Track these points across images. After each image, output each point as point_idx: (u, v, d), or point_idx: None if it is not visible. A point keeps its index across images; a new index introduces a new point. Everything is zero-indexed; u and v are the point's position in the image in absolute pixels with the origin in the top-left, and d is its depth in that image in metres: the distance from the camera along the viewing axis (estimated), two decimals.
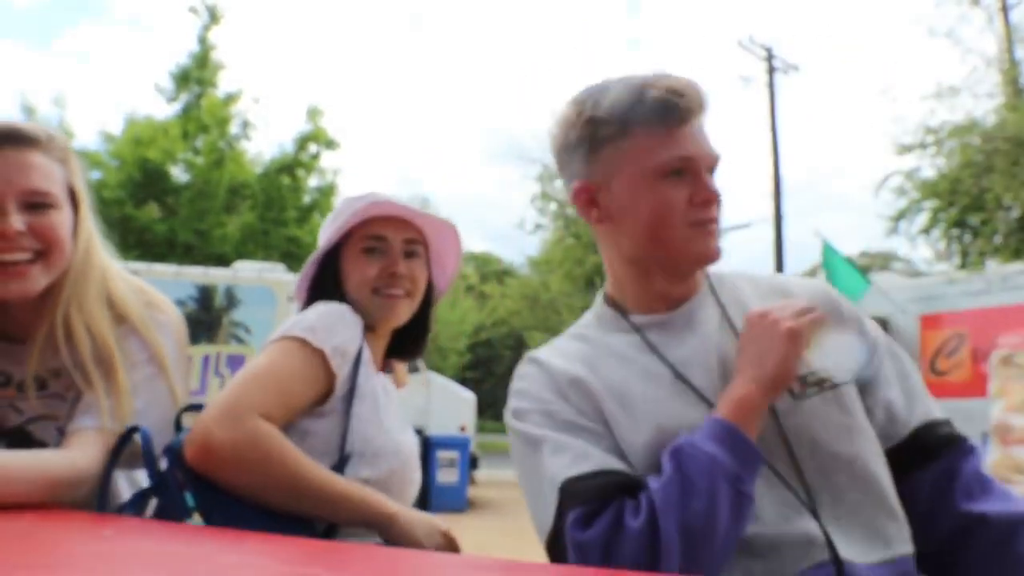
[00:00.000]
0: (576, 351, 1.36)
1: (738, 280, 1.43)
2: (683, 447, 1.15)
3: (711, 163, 1.29)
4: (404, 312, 1.67)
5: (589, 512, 1.14)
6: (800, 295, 1.38)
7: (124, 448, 1.38)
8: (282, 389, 1.43)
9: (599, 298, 1.47)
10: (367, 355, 1.59)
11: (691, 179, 1.27)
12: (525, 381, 1.34)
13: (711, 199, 1.27)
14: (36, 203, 1.41)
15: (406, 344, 1.78)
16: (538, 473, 1.23)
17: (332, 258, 1.68)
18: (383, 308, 1.64)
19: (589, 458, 1.19)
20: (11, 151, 1.40)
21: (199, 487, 1.36)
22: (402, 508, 1.43)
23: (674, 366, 1.29)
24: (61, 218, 1.44)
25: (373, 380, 1.59)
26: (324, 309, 1.56)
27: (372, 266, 1.64)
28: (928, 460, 1.29)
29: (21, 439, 1.46)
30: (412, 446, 1.61)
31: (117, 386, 1.42)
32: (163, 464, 1.42)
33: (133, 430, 1.39)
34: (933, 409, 1.35)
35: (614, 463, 1.20)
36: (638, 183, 1.28)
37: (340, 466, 1.45)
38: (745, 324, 1.27)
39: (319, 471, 1.38)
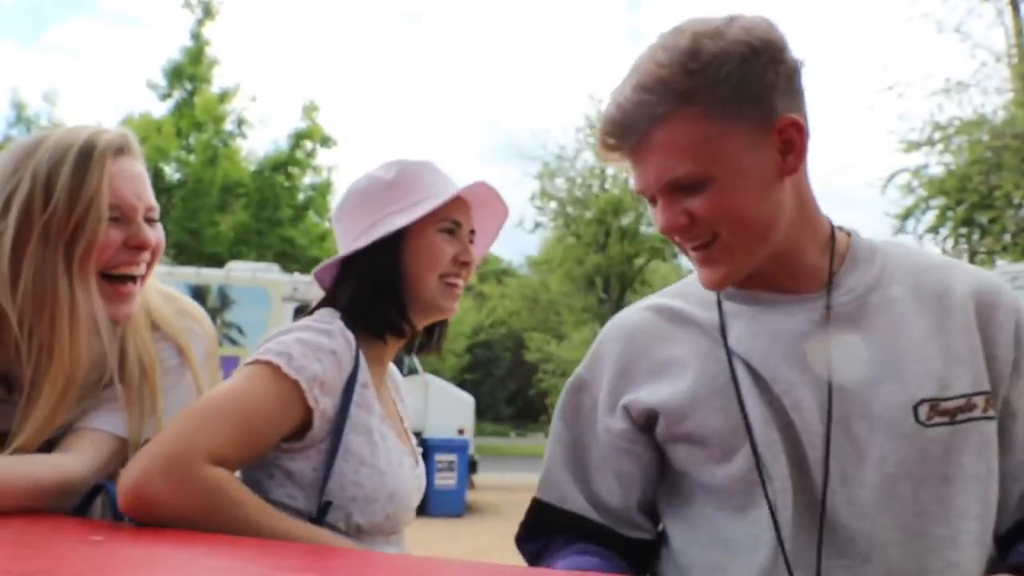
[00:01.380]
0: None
1: (902, 264, 1.19)
2: None
3: (661, 191, 1.12)
4: (458, 306, 1.56)
5: (529, 531, 1.34)
6: (960, 310, 1.13)
7: (94, 499, 1.29)
8: (243, 426, 1.26)
9: None
10: (364, 378, 1.42)
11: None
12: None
13: (665, 234, 1.15)
14: (151, 219, 1.42)
15: (429, 336, 1.64)
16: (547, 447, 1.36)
17: (389, 240, 1.47)
18: (447, 298, 1.50)
19: (566, 499, 1.28)
20: (135, 161, 1.41)
21: None
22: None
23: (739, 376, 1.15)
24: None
25: (370, 411, 1.43)
26: (307, 330, 1.38)
27: (448, 250, 1.49)
28: None
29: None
30: (410, 481, 1.46)
31: (151, 391, 1.40)
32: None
33: (96, 489, 1.29)
34: None
35: (584, 511, 1.26)
36: None
37: (322, 513, 1.33)
38: None
39: (277, 520, 1.23)
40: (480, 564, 0.92)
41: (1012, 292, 1.15)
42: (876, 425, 1.07)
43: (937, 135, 13.10)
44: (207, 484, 1.16)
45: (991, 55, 13.36)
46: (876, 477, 1.06)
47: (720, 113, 1.06)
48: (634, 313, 1.31)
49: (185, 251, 16.78)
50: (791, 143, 1.10)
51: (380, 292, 1.47)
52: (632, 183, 1.15)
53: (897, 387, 1.08)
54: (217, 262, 14.14)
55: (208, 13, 18.01)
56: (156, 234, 1.42)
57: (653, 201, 1.13)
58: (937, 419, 1.06)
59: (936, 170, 13.73)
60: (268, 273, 10.73)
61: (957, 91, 13.03)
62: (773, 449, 1.10)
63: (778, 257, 1.14)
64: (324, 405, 1.34)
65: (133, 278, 1.39)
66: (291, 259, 16.22)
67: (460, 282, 1.51)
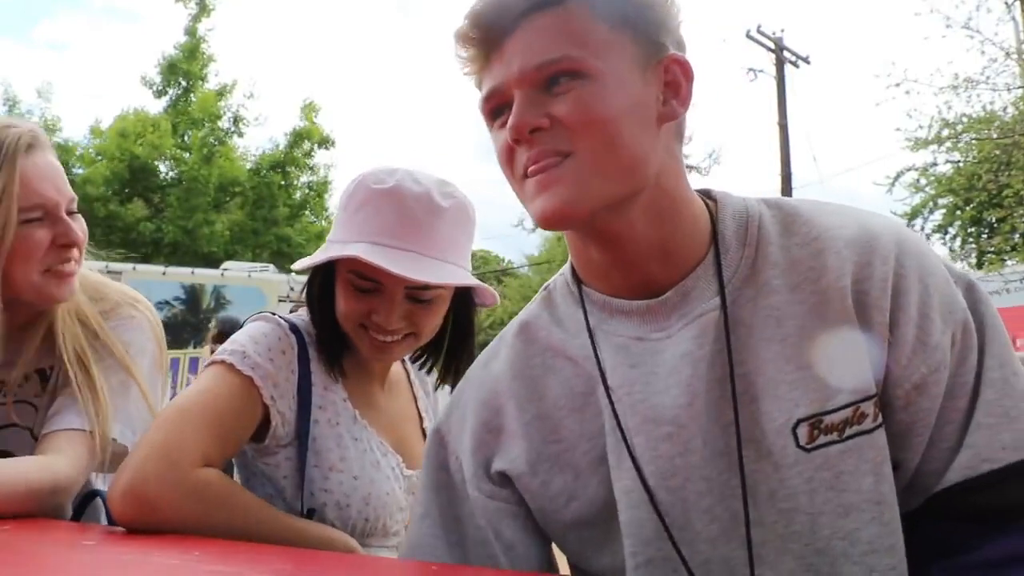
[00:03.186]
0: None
1: (774, 241, 0.97)
2: None
3: (529, 78, 0.91)
4: (401, 354, 1.45)
5: None
6: (838, 295, 0.91)
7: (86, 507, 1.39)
8: (217, 426, 1.28)
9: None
10: (323, 381, 1.43)
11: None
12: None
13: (512, 136, 0.92)
14: (72, 211, 1.41)
15: (450, 363, 1.56)
16: None
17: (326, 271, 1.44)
18: (368, 353, 1.42)
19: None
20: (50, 154, 1.40)
21: None
22: (359, 547, 1.35)
23: (610, 388, 0.98)
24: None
25: (338, 414, 1.42)
26: (256, 329, 1.40)
27: (360, 303, 1.38)
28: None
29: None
30: (395, 483, 1.44)
31: (96, 386, 1.38)
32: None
33: (91, 495, 1.41)
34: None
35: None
36: None
37: (308, 518, 1.35)
38: None
39: (272, 514, 1.28)
40: (480, 569, 0.94)
41: (896, 242, 0.92)
42: (760, 454, 0.91)
43: (945, 132, 13.02)
44: (203, 484, 1.19)
45: (1000, 51, 13.24)
46: (771, 515, 0.90)
47: (611, 16, 0.92)
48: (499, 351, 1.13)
49: (180, 250, 16.65)
50: (676, 86, 0.95)
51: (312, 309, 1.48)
52: (484, 88, 0.96)
53: (773, 406, 0.90)
54: (212, 261, 14.07)
55: (203, 8, 17.85)
56: (80, 227, 1.41)
57: (498, 110, 0.96)
58: (822, 439, 0.88)
59: (944, 168, 13.65)
60: (263, 273, 10.70)
61: (966, 88, 12.92)
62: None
63: (647, 222, 0.95)
64: (280, 406, 1.35)
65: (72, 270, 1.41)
66: (287, 258, 16.12)
67: (386, 338, 1.39)
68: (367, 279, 1.35)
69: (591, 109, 0.89)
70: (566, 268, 1.09)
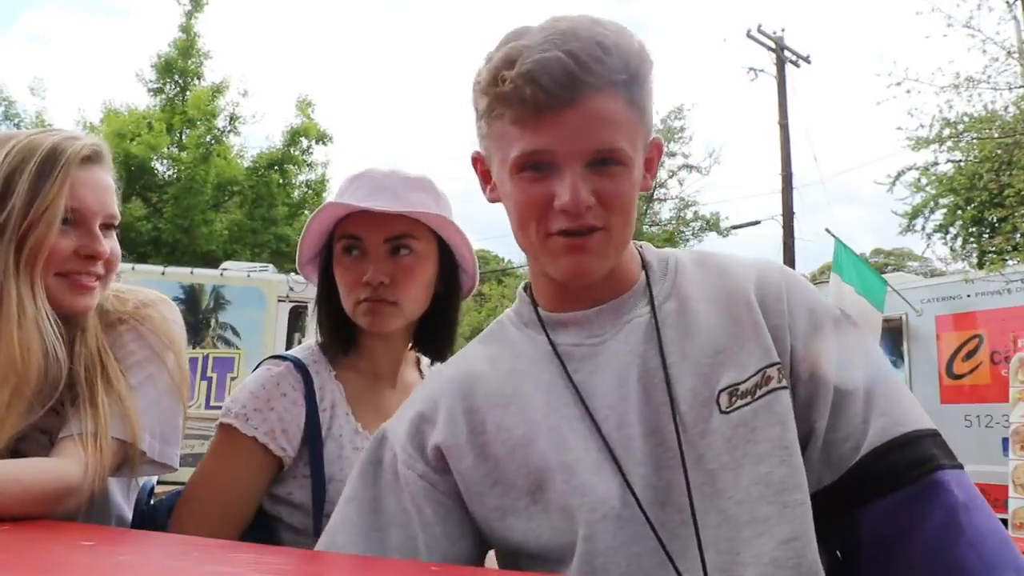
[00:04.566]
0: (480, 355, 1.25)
1: (691, 270, 1.22)
2: None
3: (586, 156, 1.05)
4: (391, 323, 1.55)
5: None
6: (742, 296, 1.15)
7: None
8: (232, 506, 1.48)
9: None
10: (328, 402, 1.55)
11: (557, 176, 1.07)
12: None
13: (569, 208, 1.05)
14: (110, 225, 1.44)
15: (429, 345, 1.70)
16: None
17: (326, 261, 1.62)
18: (365, 321, 1.55)
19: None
20: (100, 170, 1.43)
21: None
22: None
23: (575, 383, 1.14)
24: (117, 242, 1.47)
25: (341, 429, 1.54)
26: (259, 380, 1.54)
27: (351, 271, 1.54)
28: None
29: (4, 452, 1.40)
30: None
31: (117, 391, 1.40)
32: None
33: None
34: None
35: None
36: (502, 172, 1.13)
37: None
38: None
39: None
40: (480, 569, 0.99)
41: (781, 268, 1.22)
42: (687, 425, 1.07)
43: (947, 131, 13.00)
44: None
45: (1002, 50, 13.20)
46: (699, 478, 1.05)
47: (638, 106, 1.08)
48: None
49: (178, 250, 16.62)
50: (651, 163, 1.17)
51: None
52: (525, 143, 1.06)
53: (698, 383, 1.09)
54: (211, 260, 14.06)
55: (197, 5, 17.80)
56: (111, 244, 1.44)
57: (536, 166, 1.07)
58: (739, 402, 1.07)
59: (946, 168, 13.63)
60: (263, 274, 10.69)
61: (967, 87, 12.90)
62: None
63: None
64: (290, 447, 1.49)
65: (90, 277, 1.41)
66: (286, 258, 16.12)
67: (375, 304, 1.53)
68: (352, 237, 1.54)
69: (624, 194, 1.07)
70: (516, 306, 1.28)
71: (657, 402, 1.08)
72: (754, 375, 1.08)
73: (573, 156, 1.04)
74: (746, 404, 1.07)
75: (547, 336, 1.19)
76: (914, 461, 1.03)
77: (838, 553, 1.10)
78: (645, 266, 1.21)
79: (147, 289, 1.59)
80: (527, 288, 1.27)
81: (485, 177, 1.20)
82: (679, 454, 1.05)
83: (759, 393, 1.07)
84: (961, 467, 1.05)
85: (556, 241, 1.08)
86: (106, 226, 1.43)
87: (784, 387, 1.08)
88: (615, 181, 1.06)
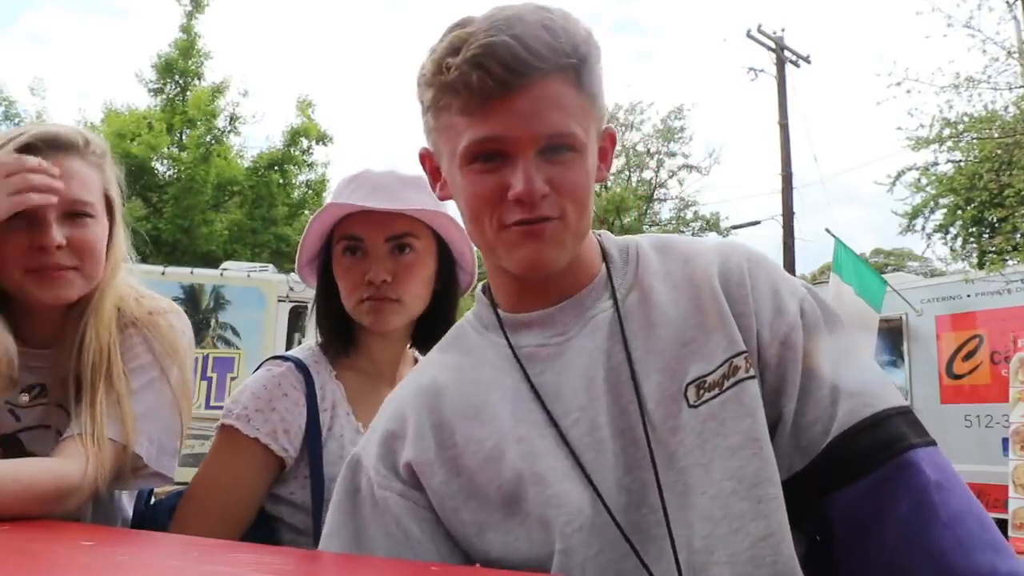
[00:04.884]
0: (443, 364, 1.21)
1: (652, 258, 1.17)
2: None
3: (538, 143, 1.02)
4: (395, 320, 1.57)
5: None
6: (705, 284, 1.11)
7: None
8: (233, 507, 1.49)
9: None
10: (328, 401, 1.56)
11: (508, 165, 1.03)
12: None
13: (523, 198, 1.02)
14: (75, 212, 1.41)
15: (428, 343, 1.63)
16: None
17: (326, 262, 1.63)
18: (368, 320, 1.56)
19: None
20: (53, 158, 1.39)
21: None
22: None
23: (540, 387, 1.10)
24: (97, 230, 1.45)
25: (343, 429, 1.56)
26: (261, 381, 1.55)
27: (352, 271, 1.55)
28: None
29: (10, 447, 1.43)
30: None
31: (116, 393, 1.40)
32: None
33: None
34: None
35: None
36: (452, 166, 1.09)
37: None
38: None
39: None
40: (478, 570, 0.99)
41: (744, 250, 1.16)
42: (657, 423, 1.04)
43: (947, 131, 12.99)
44: None
45: (1002, 50, 13.20)
46: (671, 476, 1.02)
47: (589, 92, 1.05)
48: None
49: (178, 250, 16.62)
50: (605, 153, 1.14)
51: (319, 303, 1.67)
52: (474, 132, 1.02)
53: (665, 378, 1.06)
54: (211, 261, 14.05)
55: (197, 6, 17.82)
56: (76, 232, 1.40)
57: (486, 155, 1.03)
58: (707, 395, 1.04)
59: (946, 168, 13.62)
60: (263, 274, 10.69)
61: (967, 87, 12.89)
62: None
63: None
64: (291, 447, 1.51)
65: (53, 269, 1.39)
66: (286, 258, 16.13)
67: (380, 302, 1.54)
68: (352, 238, 1.55)
69: (579, 181, 1.04)
70: (476, 308, 1.24)
71: (625, 401, 1.05)
72: (721, 366, 1.05)
73: (525, 143, 1.01)
74: (714, 396, 1.04)
75: (508, 341, 1.15)
76: (884, 442, 1.00)
77: (817, 537, 1.07)
78: (605, 257, 1.17)
79: (164, 297, 1.59)
80: (486, 290, 1.23)
81: (434, 174, 1.17)
82: (649, 453, 1.02)
83: (726, 384, 1.04)
84: (933, 443, 1.03)
85: (512, 232, 1.04)
86: (73, 214, 1.41)
87: (752, 376, 1.05)
88: (569, 168, 1.03)
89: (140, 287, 1.58)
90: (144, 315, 1.51)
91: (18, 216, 1.35)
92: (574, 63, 1.02)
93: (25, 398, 1.46)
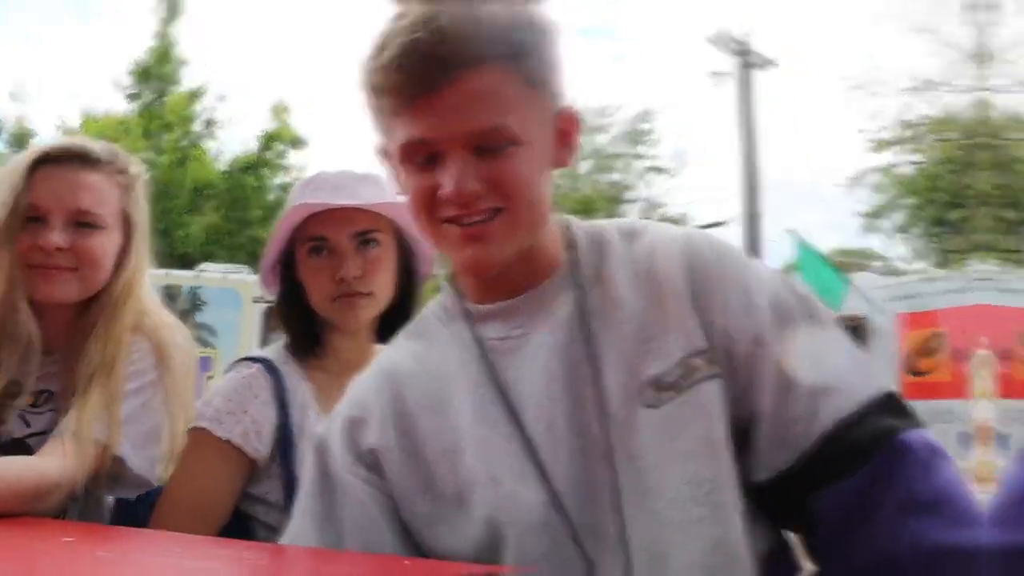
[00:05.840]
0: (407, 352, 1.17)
1: (620, 247, 1.10)
2: None
3: (468, 140, 0.98)
4: (366, 314, 1.61)
5: None
6: (669, 277, 1.05)
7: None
8: (209, 510, 1.51)
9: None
10: (299, 400, 1.59)
11: (440, 164, 0.99)
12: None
13: (452, 199, 0.98)
14: (83, 222, 1.47)
15: (390, 336, 1.61)
16: None
17: (288, 265, 1.64)
18: (341, 316, 1.59)
19: None
20: (69, 169, 1.47)
21: None
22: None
23: (502, 382, 1.07)
24: (104, 240, 1.50)
25: (310, 426, 1.55)
26: (232, 384, 1.58)
27: (322, 271, 1.58)
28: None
29: (19, 452, 1.44)
30: None
31: (109, 395, 1.43)
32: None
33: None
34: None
35: None
36: (396, 164, 1.06)
37: None
38: None
39: None
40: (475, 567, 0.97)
41: (711, 241, 1.10)
42: (616, 421, 1.00)
43: (907, 133, 13.11)
44: None
45: (959, 53, 13.38)
46: (630, 476, 0.99)
47: (531, 76, 1.00)
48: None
49: (156, 252, 16.45)
50: (567, 136, 1.08)
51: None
52: (403, 133, 0.99)
53: (625, 376, 1.01)
54: (188, 263, 13.95)
55: (172, 12, 17.72)
56: (81, 239, 1.47)
57: (420, 157, 1.00)
58: (664, 396, 1.00)
59: (906, 169, 13.73)
60: (239, 275, 10.63)
61: (926, 88, 13.05)
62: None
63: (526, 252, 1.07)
64: (263, 447, 1.54)
65: (48, 268, 1.46)
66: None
67: (352, 297, 1.57)
68: (318, 238, 1.57)
69: (519, 174, 0.99)
70: (442, 297, 1.19)
71: (585, 398, 1.02)
72: (677, 365, 1.01)
73: (453, 142, 0.97)
74: (672, 398, 1.00)
75: (472, 333, 1.11)
76: (871, 437, 0.96)
77: (795, 535, 1.05)
78: (573, 245, 1.12)
79: (173, 316, 1.65)
80: (452, 279, 1.18)
81: (395, 171, 1.11)
82: (607, 453, 0.99)
83: (684, 385, 1.00)
84: (919, 425, 0.99)
85: (450, 231, 1.01)
86: (79, 223, 1.47)
87: (711, 376, 1.01)
88: (508, 162, 0.98)
89: (156, 303, 1.63)
90: (148, 324, 1.55)
91: (32, 219, 1.45)
92: (506, 52, 0.97)
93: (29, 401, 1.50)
